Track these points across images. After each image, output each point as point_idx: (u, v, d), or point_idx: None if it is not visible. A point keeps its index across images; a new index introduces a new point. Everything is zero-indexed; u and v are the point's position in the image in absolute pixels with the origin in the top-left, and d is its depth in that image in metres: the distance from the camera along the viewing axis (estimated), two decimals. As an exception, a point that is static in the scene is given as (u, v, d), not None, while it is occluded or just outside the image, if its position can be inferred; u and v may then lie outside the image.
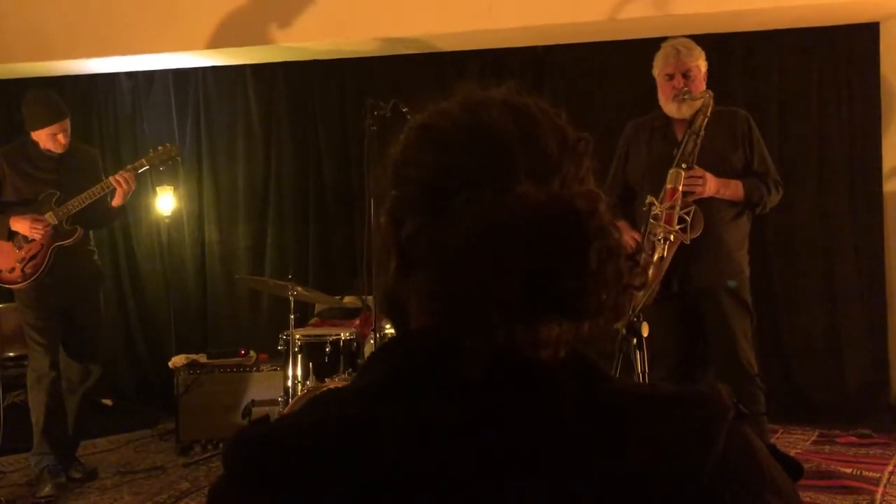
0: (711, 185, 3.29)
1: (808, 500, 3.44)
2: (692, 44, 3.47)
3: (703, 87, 3.42)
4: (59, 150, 3.94)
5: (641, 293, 3.06)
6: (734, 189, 3.38)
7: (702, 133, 3.30)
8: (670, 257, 3.24)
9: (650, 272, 3.23)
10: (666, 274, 3.26)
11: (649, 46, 4.82)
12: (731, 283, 3.40)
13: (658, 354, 3.60)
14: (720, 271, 3.40)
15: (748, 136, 3.48)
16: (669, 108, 3.44)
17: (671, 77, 3.41)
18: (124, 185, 3.91)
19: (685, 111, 3.38)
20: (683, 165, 3.27)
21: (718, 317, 3.42)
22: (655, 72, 3.51)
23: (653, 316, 3.42)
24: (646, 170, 3.48)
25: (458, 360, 0.67)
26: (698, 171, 3.28)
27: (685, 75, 3.39)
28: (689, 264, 3.33)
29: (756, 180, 3.43)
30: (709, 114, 3.31)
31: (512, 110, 0.76)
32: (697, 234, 3.26)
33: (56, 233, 3.92)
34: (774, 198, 3.46)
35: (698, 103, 3.34)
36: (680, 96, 3.36)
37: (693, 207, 3.26)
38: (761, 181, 3.43)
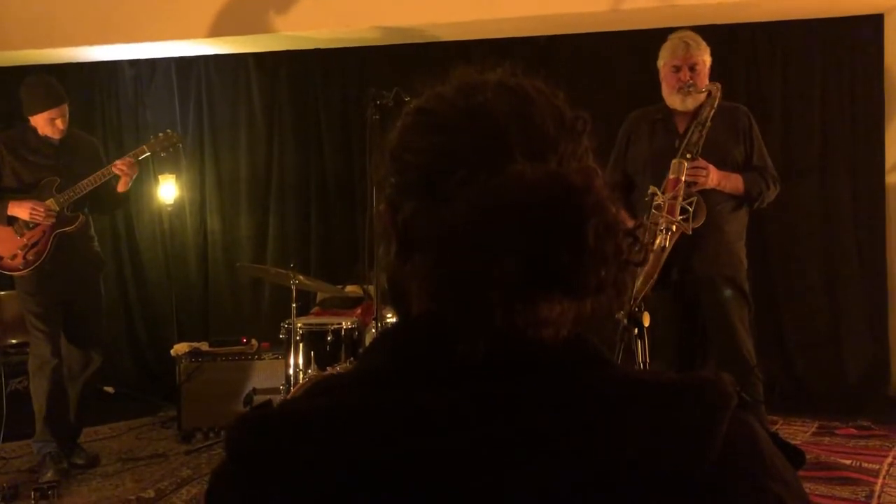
0: (714, 177, 3.32)
1: (806, 490, 3.44)
2: (699, 38, 3.49)
3: (707, 81, 3.43)
4: (57, 136, 3.94)
5: (641, 283, 3.07)
6: (735, 182, 3.41)
7: (708, 124, 3.32)
8: (671, 247, 3.26)
9: (650, 260, 3.25)
10: (666, 262, 3.28)
11: (652, 37, 4.82)
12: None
13: (657, 343, 3.63)
14: (720, 262, 3.43)
15: (748, 131, 3.52)
16: (673, 100, 3.45)
17: (678, 69, 3.42)
18: (127, 171, 3.92)
19: (689, 104, 3.40)
20: (688, 156, 3.29)
21: (717, 307, 3.44)
22: (661, 63, 3.52)
23: (652, 304, 3.45)
24: (647, 161, 3.50)
25: (457, 345, 0.67)
26: (702, 162, 3.31)
27: (692, 68, 3.40)
28: (689, 254, 3.35)
29: (756, 175, 3.47)
30: (716, 105, 3.32)
31: (507, 91, 0.76)
32: (700, 223, 3.28)
33: (58, 219, 3.92)
34: (772, 193, 3.50)
35: (703, 96, 3.36)
36: (685, 89, 3.38)
37: (696, 198, 3.27)
38: (760, 176, 3.47)
